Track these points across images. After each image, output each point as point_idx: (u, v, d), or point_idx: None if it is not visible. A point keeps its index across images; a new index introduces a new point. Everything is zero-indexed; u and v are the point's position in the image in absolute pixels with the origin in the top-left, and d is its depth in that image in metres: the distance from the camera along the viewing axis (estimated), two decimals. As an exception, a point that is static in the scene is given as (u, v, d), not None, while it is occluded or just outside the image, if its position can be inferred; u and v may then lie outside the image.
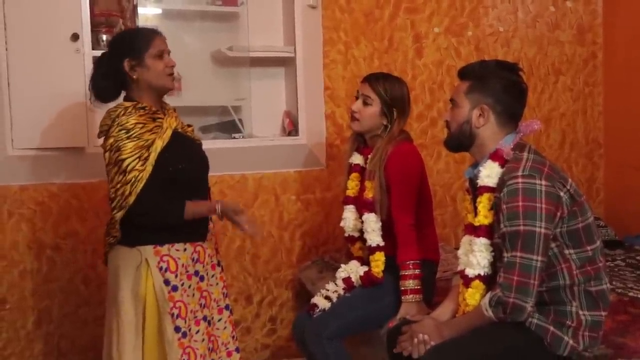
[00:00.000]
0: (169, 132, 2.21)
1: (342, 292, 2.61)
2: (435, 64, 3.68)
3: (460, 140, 2.12)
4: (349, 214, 2.67)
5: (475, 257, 2.07)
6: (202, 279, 2.31)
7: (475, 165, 2.14)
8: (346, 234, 2.71)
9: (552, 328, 1.97)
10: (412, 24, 3.62)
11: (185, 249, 2.24)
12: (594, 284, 1.98)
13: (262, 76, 3.45)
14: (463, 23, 3.72)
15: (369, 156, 2.57)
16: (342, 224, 2.70)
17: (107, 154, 2.15)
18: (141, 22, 3.05)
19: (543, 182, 1.90)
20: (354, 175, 2.67)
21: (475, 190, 2.10)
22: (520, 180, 1.91)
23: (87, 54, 2.95)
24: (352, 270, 2.64)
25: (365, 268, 2.59)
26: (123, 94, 2.29)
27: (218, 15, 3.37)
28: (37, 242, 3.06)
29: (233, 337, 2.45)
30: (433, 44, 3.67)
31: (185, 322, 2.20)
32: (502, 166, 2.02)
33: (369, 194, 2.54)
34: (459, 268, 2.19)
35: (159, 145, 2.16)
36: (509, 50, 3.82)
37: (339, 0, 3.47)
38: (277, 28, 3.48)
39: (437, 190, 3.65)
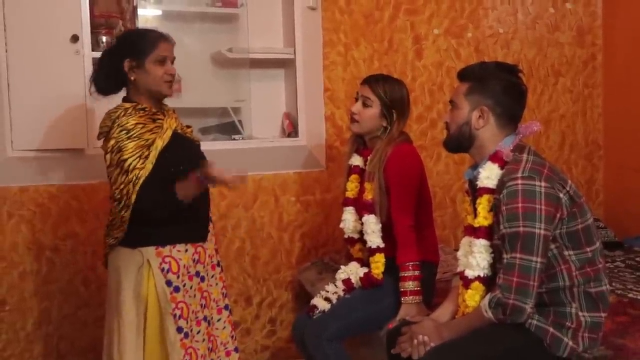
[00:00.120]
0: (169, 133, 2.21)
1: (341, 293, 2.62)
2: (435, 65, 3.68)
3: (460, 142, 2.12)
4: (349, 216, 2.67)
5: (475, 258, 2.07)
6: (202, 279, 2.32)
7: (475, 166, 2.14)
8: (346, 236, 2.71)
9: (551, 329, 1.97)
10: (411, 26, 3.62)
11: (186, 250, 2.25)
12: (594, 285, 1.98)
13: (261, 78, 3.45)
14: (463, 24, 3.73)
15: (369, 158, 2.57)
16: (341, 225, 2.70)
17: (108, 156, 2.15)
18: (141, 24, 3.05)
19: (542, 184, 1.90)
20: (354, 176, 2.67)
21: (474, 191, 2.10)
22: (519, 181, 1.91)
23: (87, 55, 2.95)
24: (352, 271, 2.64)
25: (365, 269, 2.59)
26: (124, 91, 2.29)
27: (218, 16, 3.37)
28: (37, 243, 3.06)
29: (232, 337, 2.45)
30: (433, 45, 3.67)
31: (187, 322, 2.21)
32: (502, 168, 2.02)
33: (368, 196, 2.54)
34: (459, 269, 2.19)
35: (159, 144, 2.16)
36: (508, 51, 3.82)
37: (339, 1, 3.47)
38: (276, 30, 3.48)
39: (437, 192, 3.65)
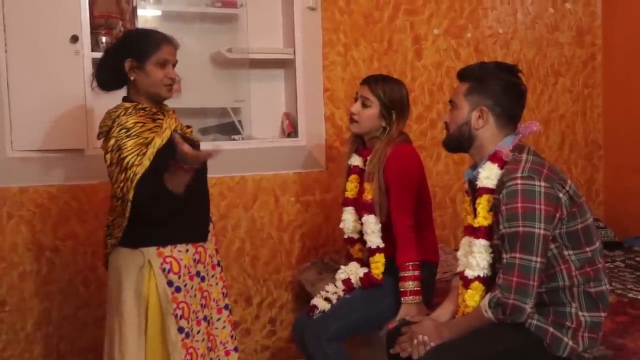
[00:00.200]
0: (168, 132, 2.21)
1: (341, 293, 2.62)
2: (435, 65, 3.68)
3: (460, 142, 2.12)
4: (349, 216, 2.67)
5: (475, 258, 2.07)
6: (203, 279, 2.32)
7: (475, 166, 2.14)
8: (346, 236, 2.71)
9: (551, 329, 1.97)
10: (411, 26, 3.63)
11: (187, 250, 2.25)
12: (594, 285, 1.98)
13: (261, 78, 3.45)
14: (462, 25, 3.73)
15: (368, 158, 2.57)
16: (341, 225, 2.70)
17: (108, 155, 2.15)
18: (140, 24, 3.05)
19: (542, 184, 1.90)
20: (353, 177, 2.67)
21: (474, 191, 2.10)
22: (519, 181, 1.91)
23: (87, 55, 2.95)
24: (352, 271, 2.64)
25: (365, 269, 2.59)
26: (124, 90, 2.30)
27: (217, 17, 3.37)
28: (37, 243, 3.06)
29: (232, 336, 2.45)
30: (432, 45, 3.67)
31: (188, 322, 2.21)
32: (501, 168, 2.02)
33: (368, 196, 2.54)
34: (459, 269, 2.19)
35: (157, 142, 2.16)
36: (508, 51, 3.82)
37: (339, 2, 3.47)
38: (276, 30, 3.48)
39: (437, 192, 3.65)
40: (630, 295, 2.69)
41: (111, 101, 2.31)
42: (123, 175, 2.11)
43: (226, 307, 2.43)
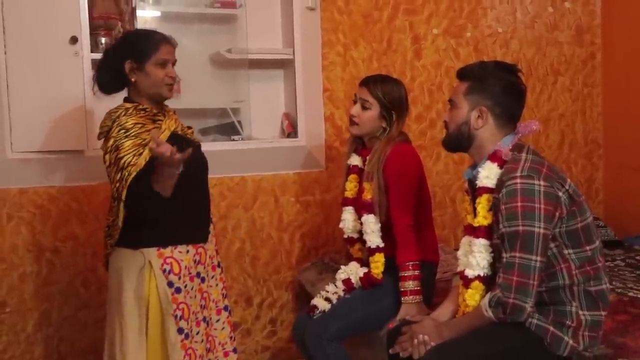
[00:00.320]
0: (166, 133, 2.21)
1: (341, 293, 2.62)
2: (434, 65, 3.68)
3: (459, 141, 2.12)
4: (348, 216, 2.67)
5: (475, 258, 2.07)
6: (203, 280, 2.32)
7: (474, 166, 2.14)
8: (345, 235, 2.71)
9: (552, 328, 1.97)
10: (410, 26, 3.63)
11: (187, 251, 2.25)
12: (594, 284, 1.98)
13: (261, 78, 3.45)
14: (462, 24, 3.73)
15: (368, 157, 2.57)
16: (341, 225, 2.70)
17: (107, 156, 2.15)
18: (140, 25, 3.05)
19: (541, 183, 1.90)
20: (353, 176, 2.67)
21: (474, 191, 2.10)
22: (518, 180, 1.91)
23: (86, 56, 2.95)
24: (352, 271, 2.64)
25: (365, 269, 2.59)
26: (124, 92, 2.29)
27: (217, 17, 3.37)
28: (37, 245, 3.06)
29: (231, 337, 2.45)
30: (432, 45, 3.67)
31: (188, 323, 2.21)
32: (501, 167, 2.02)
33: (367, 195, 2.53)
34: (459, 269, 2.19)
35: None
36: (507, 51, 3.82)
37: (338, 2, 3.47)
38: (275, 30, 3.48)
39: (437, 192, 3.65)
40: (630, 294, 2.69)
41: (111, 102, 2.32)
42: (119, 175, 2.11)
43: (226, 308, 2.43)
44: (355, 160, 2.67)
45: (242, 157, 3.29)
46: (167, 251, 2.20)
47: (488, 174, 2.04)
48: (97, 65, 2.32)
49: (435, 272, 2.63)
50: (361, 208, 2.57)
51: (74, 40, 2.93)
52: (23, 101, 2.91)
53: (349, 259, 2.74)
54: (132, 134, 2.14)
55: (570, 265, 1.96)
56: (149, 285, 2.18)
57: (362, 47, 3.53)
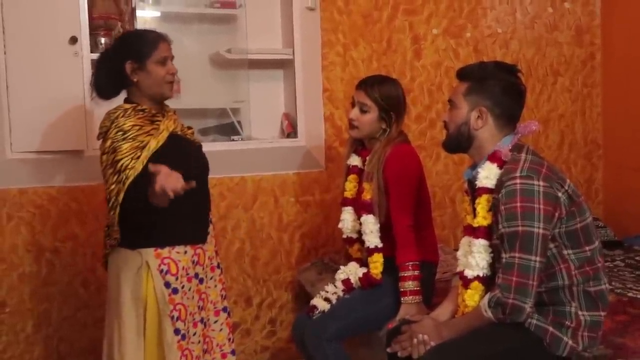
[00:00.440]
0: (164, 134, 2.21)
1: (341, 293, 2.62)
2: (434, 65, 3.68)
3: (459, 142, 2.12)
4: (347, 216, 2.67)
5: (474, 258, 2.07)
6: (201, 281, 2.32)
7: (474, 166, 2.14)
8: (344, 236, 2.71)
9: (551, 328, 1.97)
10: (410, 26, 3.63)
11: (185, 252, 2.24)
12: (593, 284, 1.98)
13: (260, 78, 3.45)
14: (461, 24, 3.73)
15: (367, 158, 2.57)
16: (340, 225, 2.70)
17: (104, 157, 2.16)
18: (139, 25, 3.05)
19: (541, 183, 1.90)
20: (352, 177, 2.67)
21: (474, 191, 2.10)
22: (518, 181, 1.91)
23: (86, 57, 2.95)
24: (351, 271, 2.64)
25: (364, 269, 2.59)
26: (124, 93, 2.29)
27: (216, 17, 3.37)
28: (36, 245, 3.06)
29: (229, 339, 2.44)
30: (431, 45, 3.67)
31: (185, 324, 2.21)
32: (501, 167, 2.02)
33: (367, 196, 2.53)
34: (458, 269, 2.19)
35: (152, 145, 2.15)
36: (507, 51, 3.82)
37: (337, 2, 3.47)
38: (275, 30, 3.48)
39: (437, 192, 3.65)
40: (629, 294, 2.69)
41: (111, 102, 2.31)
42: (116, 177, 2.10)
43: (224, 309, 2.42)
44: (354, 160, 2.67)
45: (242, 157, 3.29)
46: (165, 252, 2.20)
47: (488, 175, 2.04)
48: (95, 70, 2.31)
49: (434, 272, 2.63)
50: (360, 208, 2.57)
51: (73, 40, 2.93)
52: (23, 101, 2.91)
53: (348, 259, 2.74)
54: (130, 136, 2.14)
55: (569, 266, 1.97)
56: (147, 286, 2.18)
57: (362, 47, 3.53)
